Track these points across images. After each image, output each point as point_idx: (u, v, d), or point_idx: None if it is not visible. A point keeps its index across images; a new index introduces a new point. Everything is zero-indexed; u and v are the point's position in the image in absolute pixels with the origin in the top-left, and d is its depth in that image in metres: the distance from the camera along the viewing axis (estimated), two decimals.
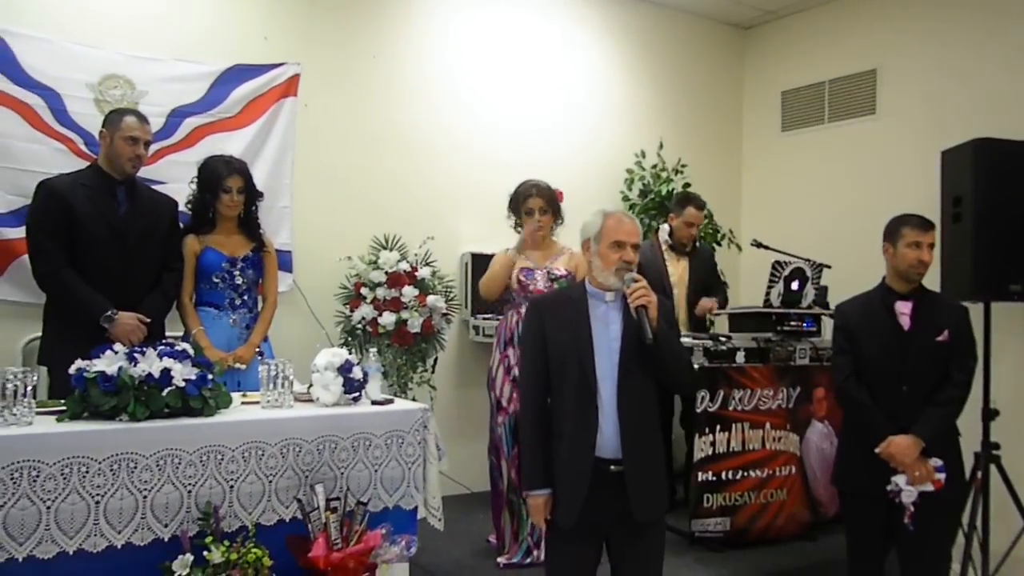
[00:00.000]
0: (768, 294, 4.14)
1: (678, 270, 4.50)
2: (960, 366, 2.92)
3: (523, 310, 3.62)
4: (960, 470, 3.01)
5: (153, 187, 3.57)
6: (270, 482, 2.66)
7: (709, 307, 4.37)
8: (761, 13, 5.94)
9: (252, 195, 3.53)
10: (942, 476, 2.84)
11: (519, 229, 3.78)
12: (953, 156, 4.34)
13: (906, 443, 2.84)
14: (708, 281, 4.62)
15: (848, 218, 5.31)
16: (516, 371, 3.58)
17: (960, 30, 4.91)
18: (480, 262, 3.86)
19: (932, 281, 4.21)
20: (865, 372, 2.99)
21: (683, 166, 5.57)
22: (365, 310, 4.17)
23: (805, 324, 4.05)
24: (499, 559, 3.56)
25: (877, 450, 2.88)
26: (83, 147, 3.70)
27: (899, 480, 2.85)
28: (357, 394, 2.95)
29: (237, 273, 3.47)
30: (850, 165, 5.46)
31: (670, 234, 4.46)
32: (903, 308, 2.97)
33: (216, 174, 3.43)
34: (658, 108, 5.82)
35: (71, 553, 2.33)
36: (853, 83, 5.47)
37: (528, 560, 3.55)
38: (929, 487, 2.84)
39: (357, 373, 2.93)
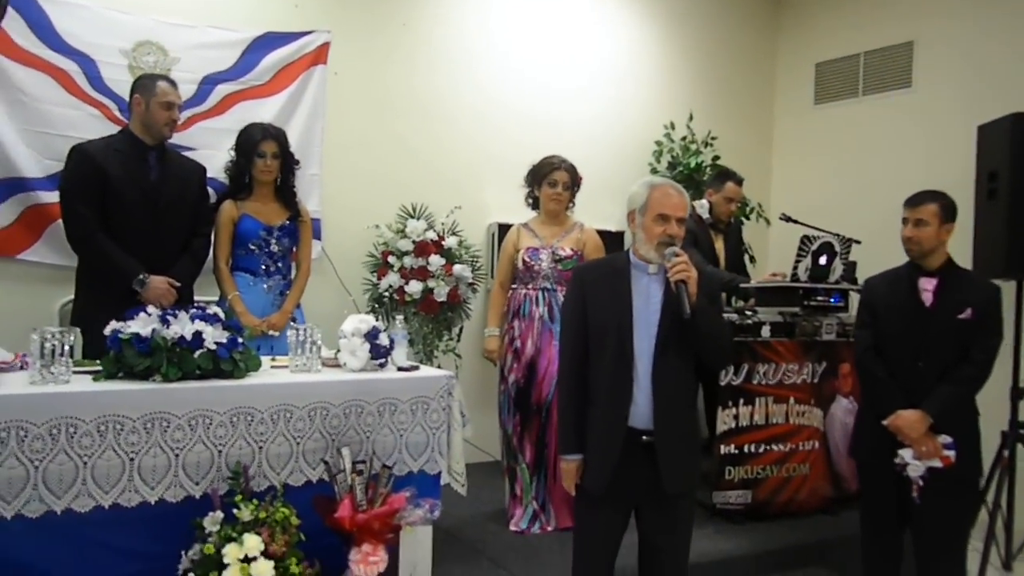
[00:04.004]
0: (795, 268, 4.10)
1: (717, 246, 4.48)
2: (982, 346, 2.86)
3: (530, 287, 3.66)
4: (975, 449, 2.96)
5: (184, 153, 3.62)
6: (298, 444, 2.73)
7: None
8: None
9: (288, 162, 3.57)
10: (951, 453, 2.82)
11: (528, 201, 3.82)
12: (990, 131, 4.26)
13: (913, 417, 2.83)
14: (736, 255, 4.60)
15: (881, 193, 5.23)
16: (518, 343, 3.65)
17: (1000, 2, 4.78)
18: (507, 232, 3.90)
19: (964, 257, 4.19)
20: (884, 346, 2.98)
21: (713, 139, 5.51)
22: (392, 278, 4.20)
23: (832, 299, 4.01)
24: (510, 525, 3.62)
25: (885, 422, 2.89)
26: (117, 112, 3.74)
27: (905, 454, 2.85)
28: (383, 360, 3.00)
29: (273, 241, 3.52)
30: (884, 139, 5.36)
31: (709, 210, 4.41)
32: (927, 285, 2.94)
33: (251, 139, 3.48)
34: (689, 79, 5.75)
35: (107, 507, 2.41)
36: (889, 55, 5.35)
37: (536, 525, 3.60)
38: (937, 463, 2.82)
39: (383, 339, 2.97)
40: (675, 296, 2.32)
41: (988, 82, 4.79)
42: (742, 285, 4.13)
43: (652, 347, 2.38)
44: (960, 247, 4.20)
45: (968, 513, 3.04)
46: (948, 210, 2.96)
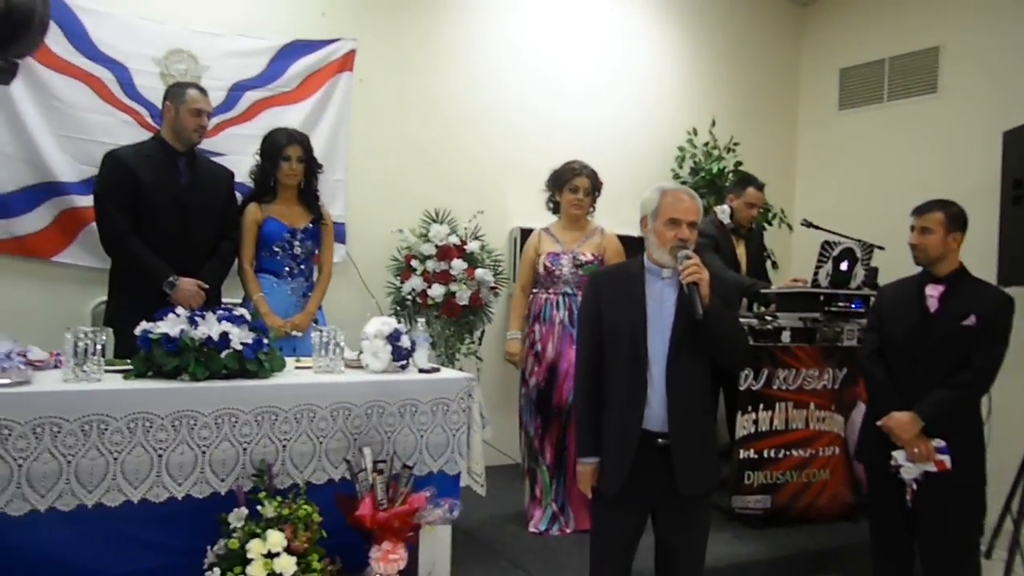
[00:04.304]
0: (816, 274, 4.10)
1: (739, 252, 4.49)
2: (983, 353, 2.86)
3: (551, 291, 3.70)
4: (977, 456, 2.95)
5: (214, 158, 3.71)
6: (320, 443, 2.79)
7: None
8: None
9: (312, 166, 3.64)
10: (944, 458, 2.82)
11: (549, 206, 3.86)
12: (1016, 137, 4.25)
13: (905, 419, 2.85)
14: (757, 261, 4.61)
15: (906, 199, 5.11)
16: (539, 347, 3.68)
17: None
18: (528, 237, 3.94)
19: (990, 263, 4.16)
20: (888, 350, 3.02)
21: (735, 144, 5.52)
22: (415, 282, 4.26)
23: (853, 305, 4.00)
24: (529, 526, 3.65)
25: (879, 423, 2.92)
26: (149, 119, 3.84)
27: (898, 456, 2.87)
28: (405, 362, 3.05)
29: (297, 243, 3.60)
30: (910, 145, 5.34)
31: (731, 215, 4.43)
32: (933, 291, 2.96)
33: (277, 143, 3.56)
34: (712, 85, 5.76)
35: (135, 502, 2.49)
36: (915, 61, 5.33)
37: (555, 527, 3.63)
38: (931, 467, 2.83)
39: (405, 342, 3.03)
40: (687, 298, 2.35)
41: (1014, 89, 4.76)
42: (763, 290, 4.13)
43: (666, 350, 2.40)
44: (986, 253, 4.21)
45: (970, 522, 2.98)
46: (954, 219, 2.97)
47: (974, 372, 2.85)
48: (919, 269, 3.14)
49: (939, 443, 2.84)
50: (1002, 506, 4.18)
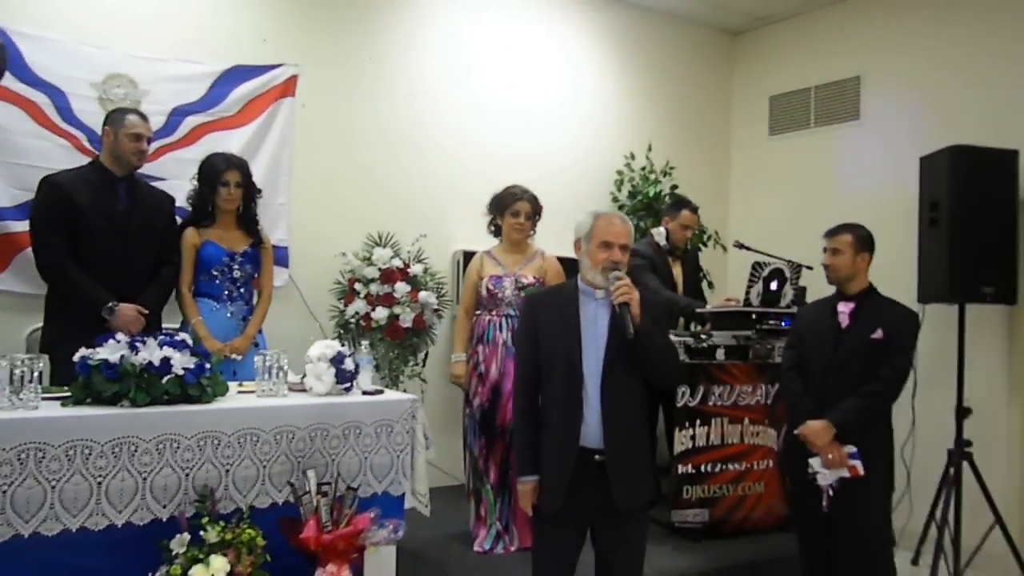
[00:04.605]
0: (748, 293, 4.27)
1: (675, 271, 4.62)
2: (890, 364, 3.06)
3: (494, 313, 3.77)
4: (887, 462, 3.15)
5: (154, 183, 3.69)
6: (264, 467, 2.78)
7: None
8: (751, 19, 6.06)
9: (250, 191, 3.65)
10: (856, 463, 2.99)
11: (491, 229, 3.94)
12: (930, 162, 4.49)
13: (818, 426, 3.03)
14: (693, 281, 4.75)
15: (832, 221, 5.36)
16: (482, 367, 3.74)
17: (941, 40, 5.02)
18: (471, 259, 4.01)
19: (910, 282, 4.38)
20: (805, 365, 3.22)
21: (671, 168, 5.69)
22: (359, 305, 4.28)
23: (783, 323, 4.17)
24: (474, 546, 3.69)
25: (795, 432, 3.09)
26: (87, 144, 3.81)
27: (814, 462, 3.03)
28: (349, 384, 3.07)
29: (236, 267, 3.60)
30: (835, 169, 5.57)
31: (667, 237, 4.56)
32: (844, 308, 3.18)
33: (215, 168, 3.56)
34: (648, 111, 5.93)
35: (74, 531, 2.44)
36: (838, 89, 5.58)
37: (499, 545, 3.68)
38: (845, 473, 2.99)
39: (349, 364, 3.05)
40: (619, 318, 2.44)
41: (930, 115, 5.01)
42: (697, 310, 4.27)
43: (600, 369, 2.49)
44: (906, 273, 4.43)
45: (880, 523, 3.15)
46: (862, 240, 3.20)
47: (881, 381, 3.05)
48: None
49: (851, 449, 3.01)
50: (927, 513, 4.38)
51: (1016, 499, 4.53)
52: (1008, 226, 4.35)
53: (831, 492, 3.03)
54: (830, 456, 3.01)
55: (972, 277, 4.24)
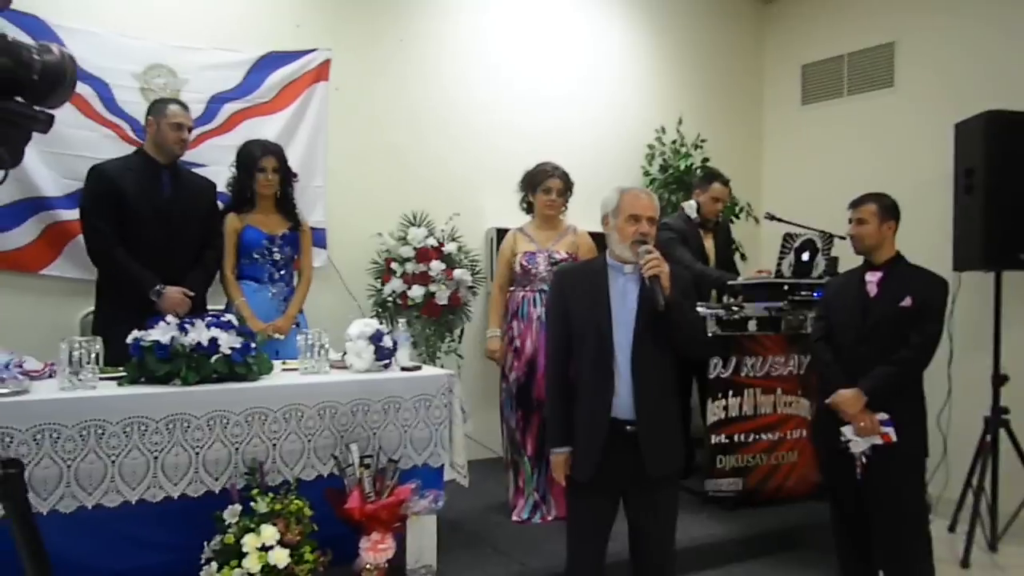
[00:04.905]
0: (779, 265, 4.27)
1: (707, 244, 4.65)
2: (919, 330, 3.05)
3: (528, 289, 3.84)
4: (920, 429, 3.14)
5: (195, 170, 3.82)
6: (309, 441, 2.92)
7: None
8: None
9: (287, 175, 3.76)
10: (889, 430, 2.99)
11: (523, 206, 3.99)
12: (966, 128, 4.42)
13: (850, 395, 3.03)
14: (725, 253, 4.77)
15: (866, 190, 5.37)
16: (518, 342, 3.81)
17: (976, 3, 4.94)
18: (504, 237, 4.07)
19: (945, 251, 4.35)
20: (835, 335, 3.21)
21: (703, 141, 5.69)
22: (395, 284, 4.39)
23: (815, 294, 4.16)
24: (512, 516, 3.80)
25: (827, 401, 3.10)
26: (130, 133, 3.94)
27: (847, 431, 3.04)
28: (387, 361, 3.18)
29: (276, 250, 3.71)
30: (869, 137, 5.52)
31: (697, 210, 4.58)
32: (872, 277, 3.17)
33: (252, 155, 3.67)
34: (679, 84, 5.92)
35: (133, 502, 2.61)
36: (871, 56, 5.51)
37: (537, 515, 3.78)
38: (878, 440, 3.00)
39: (387, 342, 3.16)
40: (649, 290, 2.50)
41: (965, 81, 4.94)
42: (729, 282, 4.29)
43: (630, 341, 2.54)
44: (943, 241, 4.40)
45: (915, 490, 3.15)
46: (887, 209, 3.18)
47: (912, 348, 3.04)
48: None
49: (883, 416, 3.01)
50: (963, 481, 4.39)
51: None
52: None
53: (864, 460, 3.04)
54: (862, 424, 3.02)
55: (1008, 244, 4.19)
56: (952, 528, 4.48)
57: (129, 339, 2.80)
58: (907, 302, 3.06)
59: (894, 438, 3.01)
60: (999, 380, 4.32)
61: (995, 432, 4.30)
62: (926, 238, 4.07)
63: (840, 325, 3.20)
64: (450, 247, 4.47)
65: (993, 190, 4.19)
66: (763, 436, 4.09)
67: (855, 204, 3.24)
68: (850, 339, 3.14)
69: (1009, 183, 4.19)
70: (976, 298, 4.49)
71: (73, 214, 3.71)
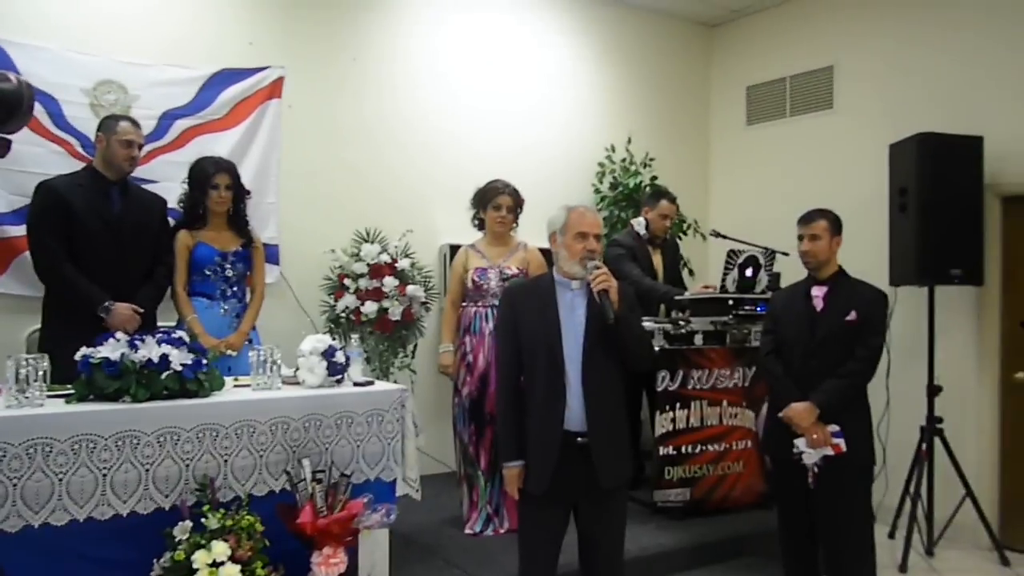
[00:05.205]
0: (724, 280, 4.41)
1: (656, 260, 4.76)
2: (865, 344, 3.18)
3: (480, 304, 3.90)
4: (867, 438, 3.27)
5: (146, 186, 3.81)
6: (261, 456, 2.92)
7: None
8: (727, 12, 6.18)
9: (240, 193, 3.77)
10: (839, 441, 3.11)
11: (475, 223, 4.06)
12: (899, 149, 4.63)
13: (802, 408, 3.14)
14: (673, 270, 4.89)
15: (808, 208, 5.55)
16: (470, 358, 3.86)
17: (908, 29, 5.16)
18: (457, 253, 4.13)
19: (881, 267, 4.53)
20: (783, 349, 3.32)
21: (651, 160, 5.83)
22: (348, 300, 4.41)
23: (759, 308, 4.30)
24: (465, 529, 3.83)
25: (780, 415, 3.20)
26: (80, 149, 3.91)
27: (799, 443, 3.15)
28: (340, 376, 3.20)
29: (228, 266, 3.71)
30: (810, 157, 5.71)
31: (646, 226, 4.69)
32: (817, 292, 3.28)
33: (205, 172, 3.68)
34: (628, 104, 6.06)
35: (81, 520, 2.58)
36: (812, 79, 5.72)
37: (490, 528, 3.83)
38: (829, 451, 3.11)
39: (340, 357, 3.18)
40: (599, 305, 2.58)
41: (901, 103, 5.15)
42: (676, 297, 4.41)
43: (580, 355, 2.63)
44: (878, 258, 4.58)
45: (862, 497, 3.28)
46: (836, 224, 3.31)
47: (859, 361, 3.17)
48: None
49: (834, 428, 3.13)
50: (902, 488, 4.55)
51: (986, 472, 4.71)
52: (974, 210, 4.50)
53: (815, 470, 3.14)
54: (815, 436, 3.12)
55: (940, 260, 4.39)
56: (892, 534, 4.64)
57: (78, 356, 2.77)
58: (852, 316, 3.17)
59: (844, 448, 3.11)
60: (933, 391, 4.51)
61: (930, 441, 4.48)
62: (865, 254, 4.22)
63: (789, 339, 3.29)
64: (403, 263, 4.51)
65: (925, 209, 4.39)
66: (709, 447, 4.19)
67: (806, 220, 3.32)
68: (799, 353, 3.24)
69: (940, 202, 4.39)
70: (911, 313, 4.69)
71: (20, 230, 3.67)
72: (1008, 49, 4.65)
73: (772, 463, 3.47)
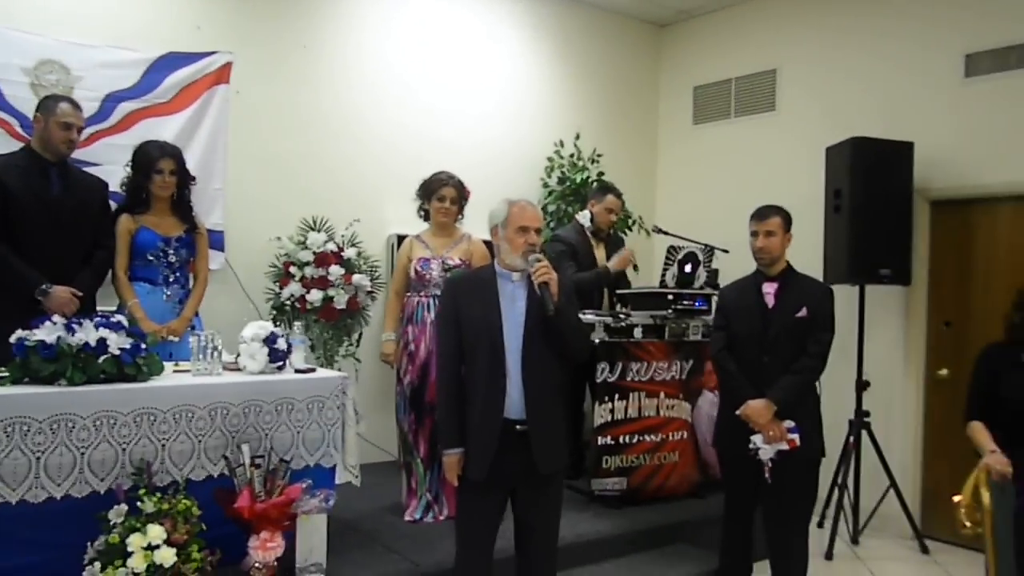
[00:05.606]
0: (664, 276, 4.52)
1: (599, 254, 4.84)
2: (816, 339, 3.25)
3: (422, 294, 3.95)
4: (818, 432, 3.35)
5: (88, 168, 3.76)
6: (199, 441, 2.94)
7: (627, 256, 4.59)
8: (675, 12, 6.30)
9: (184, 178, 3.74)
10: (795, 436, 3.19)
11: (420, 214, 4.10)
12: (834, 152, 4.80)
13: (760, 406, 3.21)
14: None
15: (749, 206, 5.65)
16: (412, 347, 3.90)
17: (846, 37, 5.33)
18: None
19: (816, 265, 4.69)
20: (735, 345, 3.36)
21: (599, 156, 5.92)
22: (294, 287, 4.40)
23: (697, 303, 4.43)
24: (405, 516, 3.88)
25: (737, 412, 3.26)
26: (19, 129, 3.83)
27: (756, 439, 3.22)
28: (281, 363, 3.23)
29: (171, 252, 3.70)
30: (753, 157, 5.87)
31: (591, 220, 4.77)
32: (768, 288, 3.33)
33: (149, 157, 3.65)
34: (577, 101, 6.14)
35: (14, 503, 2.58)
36: (756, 81, 5.87)
37: (429, 515, 3.88)
38: (784, 446, 3.19)
39: (281, 344, 3.21)
40: (539, 297, 2.65)
41: (838, 107, 5.34)
42: (618, 291, 4.50)
43: (520, 345, 2.70)
44: (813, 256, 4.74)
45: (811, 489, 3.38)
46: (788, 220, 3.38)
47: (812, 357, 3.24)
48: (752, 269, 3.48)
49: (789, 424, 3.21)
50: (831, 480, 4.72)
51: (910, 465, 4.92)
52: (904, 213, 4.70)
53: (771, 464, 3.20)
54: (771, 432, 3.19)
55: (871, 260, 4.57)
56: (820, 524, 4.82)
57: (13, 339, 2.76)
58: (803, 312, 3.24)
59: (799, 443, 3.20)
60: (862, 386, 4.69)
61: (858, 434, 4.66)
62: (801, 253, 4.31)
63: (741, 335, 3.33)
64: (350, 252, 4.52)
65: (858, 210, 4.57)
66: (647, 437, 4.30)
67: (761, 217, 3.34)
68: (752, 348, 3.28)
69: (871, 204, 4.57)
70: (842, 310, 4.78)
71: None
72: (941, 60, 4.84)
73: (724, 456, 3.51)
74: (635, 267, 5.61)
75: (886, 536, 4.82)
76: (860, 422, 4.66)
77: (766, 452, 3.21)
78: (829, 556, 4.45)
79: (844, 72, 5.34)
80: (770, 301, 3.31)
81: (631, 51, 6.47)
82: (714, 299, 4.55)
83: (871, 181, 4.57)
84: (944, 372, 4.83)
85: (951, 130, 4.78)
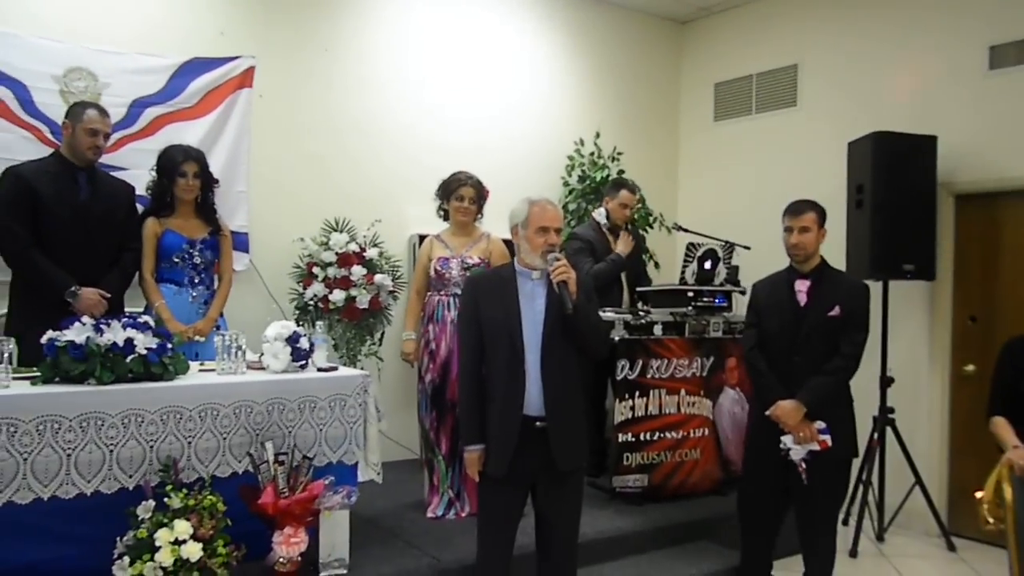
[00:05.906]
0: (683, 273, 4.52)
1: (615, 250, 4.84)
2: (849, 339, 3.19)
3: (443, 293, 3.98)
4: (851, 432, 3.31)
5: (115, 173, 3.84)
6: (224, 439, 3.00)
7: (627, 238, 4.60)
8: (696, 9, 6.28)
9: (208, 181, 3.82)
10: (826, 437, 3.15)
11: (440, 213, 4.13)
12: (857, 147, 4.76)
13: (790, 407, 3.17)
14: (637, 262, 4.98)
15: (771, 203, 5.62)
16: (433, 345, 3.93)
17: (868, 30, 5.29)
18: None
19: (838, 261, 4.65)
20: (766, 343, 3.32)
21: (619, 154, 5.92)
22: (317, 288, 4.47)
23: (717, 300, 4.42)
24: (427, 512, 3.92)
25: (767, 413, 3.23)
26: (49, 135, 3.93)
27: (787, 440, 3.19)
28: (304, 362, 3.28)
29: (196, 254, 3.77)
30: (774, 153, 5.84)
31: (607, 216, 4.78)
32: (801, 286, 3.26)
33: (173, 160, 3.73)
34: (598, 99, 6.14)
35: (45, 499, 2.65)
36: (777, 77, 5.84)
37: (451, 512, 3.92)
38: (815, 447, 3.16)
39: (304, 343, 3.26)
40: (558, 295, 2.68)
41: (860, 102, 5.29)
42: (638, 288, 4.50)
43: (539, 342, 2.73)
44: (835, 252, 4.70)
45: (842, 488, 3.36)
46: (823, 216, 3.30)
47: (844, 358, 3.18)
48: (776, 266, 3.46)
49: (820, 425, 3.18)
50: (855, 477, 4.69)
51: (935, 462, 4.87)
52: (927, 207, 4.65)
53: (804, 465, 3.16)
54: (802, 434, 3.16)
55: (894, 255, 4.53)
56: (845, 521, 4.78)
57: (44, 339, 2.84)
58: (835, 311, 3.18)
59: (830, 444, 3.16)
60: (886, 382, 4.65)
61: (882, 430, 4.63)
62: (824, 249, 4.27)
63: (773, 334, 3.28)
64: (371, 252, 4.57)
65: (880, 205, 4.53)
66: (667, 435, 4.30)
67: (796, 212, 3.25)
68: (784, 347, 3.23)
69: (894, 199, 4.53)
70: None
71: None
72: (965, 52, 4.79)
73: (752, 456, 3.46)
74: (656, 264, 5.62)
75: (912, 533, 4.78)
76: (884, 419, 4.62)
77: (797, 452, 3.19)
78: (854, 554, 4.41)
79: (866, 66, 5.29)
80: (802, 299, 3.25)
81: (652, 48, 6.46)
82: (735, 296, 4.56)
83: (894, 175, 4.53)
84: (970, 368, 4.77)
85: (975, 123, 4.73)
